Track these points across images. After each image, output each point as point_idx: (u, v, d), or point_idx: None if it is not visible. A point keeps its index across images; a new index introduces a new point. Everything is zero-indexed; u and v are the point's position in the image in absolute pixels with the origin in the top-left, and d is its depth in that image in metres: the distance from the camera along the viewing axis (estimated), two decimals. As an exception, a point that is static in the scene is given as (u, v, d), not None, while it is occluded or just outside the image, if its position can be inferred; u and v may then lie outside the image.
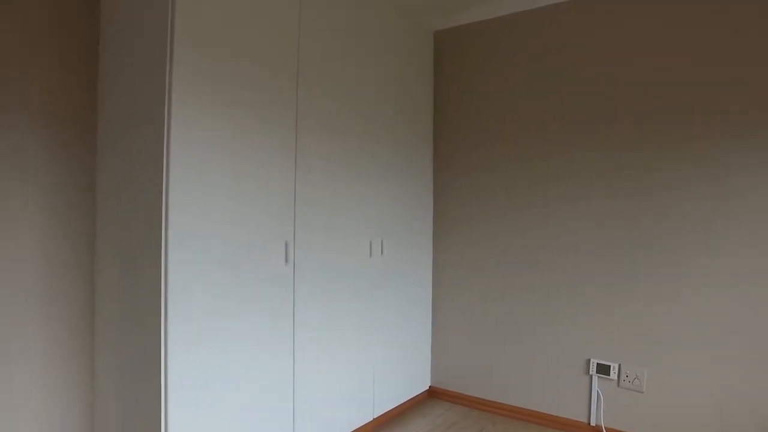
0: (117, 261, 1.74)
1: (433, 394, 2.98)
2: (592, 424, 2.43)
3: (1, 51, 1.69)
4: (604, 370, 2.40)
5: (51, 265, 1.80)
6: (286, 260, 1.96)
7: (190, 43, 1.62)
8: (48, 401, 1.79)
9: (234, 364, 1.77)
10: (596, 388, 2.43)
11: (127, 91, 1.71)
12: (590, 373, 2.44)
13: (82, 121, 1.88)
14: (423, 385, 2.91)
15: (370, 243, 2.44)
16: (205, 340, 1.68)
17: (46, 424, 1.79)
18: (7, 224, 1.69)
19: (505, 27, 2.75)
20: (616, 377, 2.38)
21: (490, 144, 2.80)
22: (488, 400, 2.77)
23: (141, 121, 1.65)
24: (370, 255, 2.44)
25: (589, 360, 2.45)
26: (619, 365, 2.38)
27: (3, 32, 1.69)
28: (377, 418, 2.55)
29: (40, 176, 1.77)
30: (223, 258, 1.73)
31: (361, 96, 2.38)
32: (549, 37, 2.60)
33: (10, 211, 1.70)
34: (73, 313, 1.85)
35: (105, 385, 1.79)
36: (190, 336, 1.63)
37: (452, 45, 2.96)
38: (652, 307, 2.30)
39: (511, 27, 2.73)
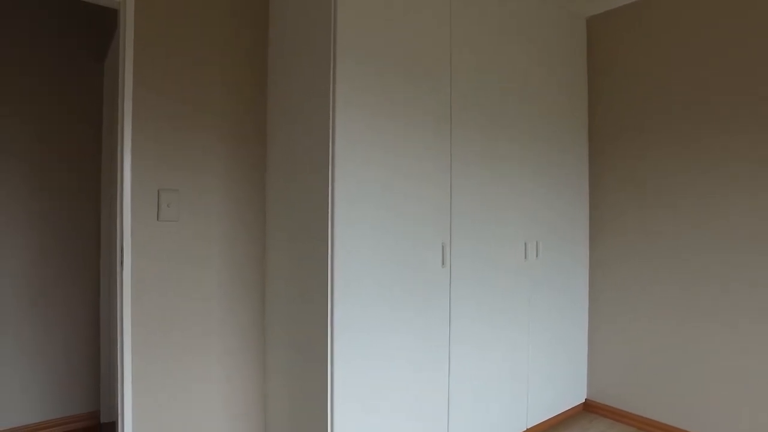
0: (286, 254, 1.88)
1: (589, 408, 2.76)
2: (800, 464, 2.04)
3: (191, 53, 1.93)
4: (817, 401, 1.99)
5: (232, 254, 2.01)
6: (443, 262, 1.95)
7: (352, 41, 1.68)
8: (228, 383, 2.00)
9: (392, 363, 1.81)
10: (806, 422, 2.02)
11: (295, 90, 1.84)
12: (796, 402, 2.04)
13: (254, 118, 2.07)
14: (578, 398, 2.70)
15: (525, 245, 2.33)
16: (365, 337, 1.73)
17: (226, 402, 2.00)
18: (198, 215, 1.93)
19: (661, 4, 2.43)
20: (837, 412, 1.96)
21: (654, 134, 2.50)
22: (657, 421, 2.48)
23: (306, 118, 1.75)
24: (525, 257, 2.33)
25: (795, 387, 2.05)
26: (842, 397, 1.95)
27: (189, 36, 1.93)
28: (531, 428, 2.43)
29: (222, 169, 1.99)
30: (385, 257, 1.78)
31: (512, 91, 2.28)
32: (712, 11, 2.23)
33: (202, 205, 1.94)
34: (251, 299, 2.05)
35: (275, 367, 1.95)
36: (352, 330, 1.70)
37: (605, 30, 2.70)
38: None
39: (667, 4, 2.40)
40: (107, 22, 2.63)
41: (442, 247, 1.94)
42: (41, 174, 2.43)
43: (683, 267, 2.39)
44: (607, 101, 2.72)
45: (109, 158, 2.54)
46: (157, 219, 1.84)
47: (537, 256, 2.40)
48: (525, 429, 2.37)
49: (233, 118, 2.01)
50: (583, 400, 2.76)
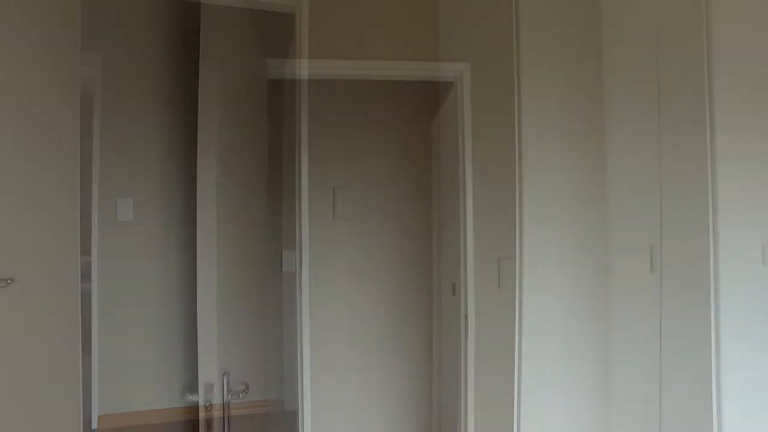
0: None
1: None
2: None
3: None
4: None
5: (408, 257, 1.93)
6: (651, 267, 1.60)
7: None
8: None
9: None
10: None
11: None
12: None
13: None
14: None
15: (763, 248, 1.81)
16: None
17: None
18: (370, 212, 1.89)
19: None
20: None
21: None
22: None
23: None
24: (763, 262, 1.81)
25: None
26: None
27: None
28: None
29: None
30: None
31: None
32: None
33: (374, 202, 1.90)
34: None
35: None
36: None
37: None
38: None
39: None
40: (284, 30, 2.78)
41: (651, 249, 1.60)
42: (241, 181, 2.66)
43: None
44: None
45: (290, 159, 2.66)
46: (333, 217, 1.85)
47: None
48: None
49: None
50: None
